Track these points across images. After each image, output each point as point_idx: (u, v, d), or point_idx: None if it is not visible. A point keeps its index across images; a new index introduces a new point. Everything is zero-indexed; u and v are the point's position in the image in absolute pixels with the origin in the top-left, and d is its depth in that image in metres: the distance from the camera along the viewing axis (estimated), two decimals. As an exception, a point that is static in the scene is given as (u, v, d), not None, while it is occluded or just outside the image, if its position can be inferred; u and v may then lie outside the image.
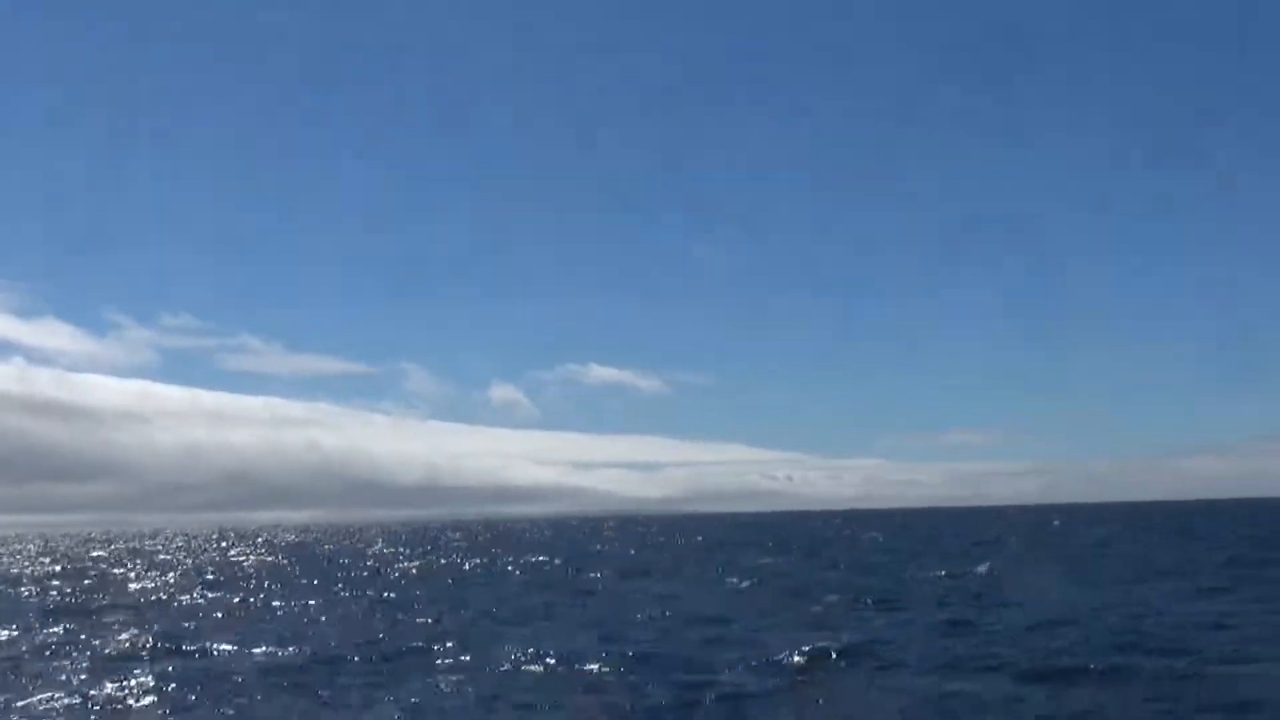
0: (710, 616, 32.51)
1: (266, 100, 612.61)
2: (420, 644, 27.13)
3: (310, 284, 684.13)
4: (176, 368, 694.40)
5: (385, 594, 45.26)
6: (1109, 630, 27.09)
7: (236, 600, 43.05)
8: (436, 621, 32.91)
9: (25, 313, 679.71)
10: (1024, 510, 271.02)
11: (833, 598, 37.39)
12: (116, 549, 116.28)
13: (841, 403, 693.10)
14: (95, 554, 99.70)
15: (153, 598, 45.55)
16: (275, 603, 41.31)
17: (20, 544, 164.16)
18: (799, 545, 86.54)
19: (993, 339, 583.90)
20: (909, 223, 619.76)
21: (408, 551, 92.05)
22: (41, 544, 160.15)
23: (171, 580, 57.90)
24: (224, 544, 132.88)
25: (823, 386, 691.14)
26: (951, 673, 21.65)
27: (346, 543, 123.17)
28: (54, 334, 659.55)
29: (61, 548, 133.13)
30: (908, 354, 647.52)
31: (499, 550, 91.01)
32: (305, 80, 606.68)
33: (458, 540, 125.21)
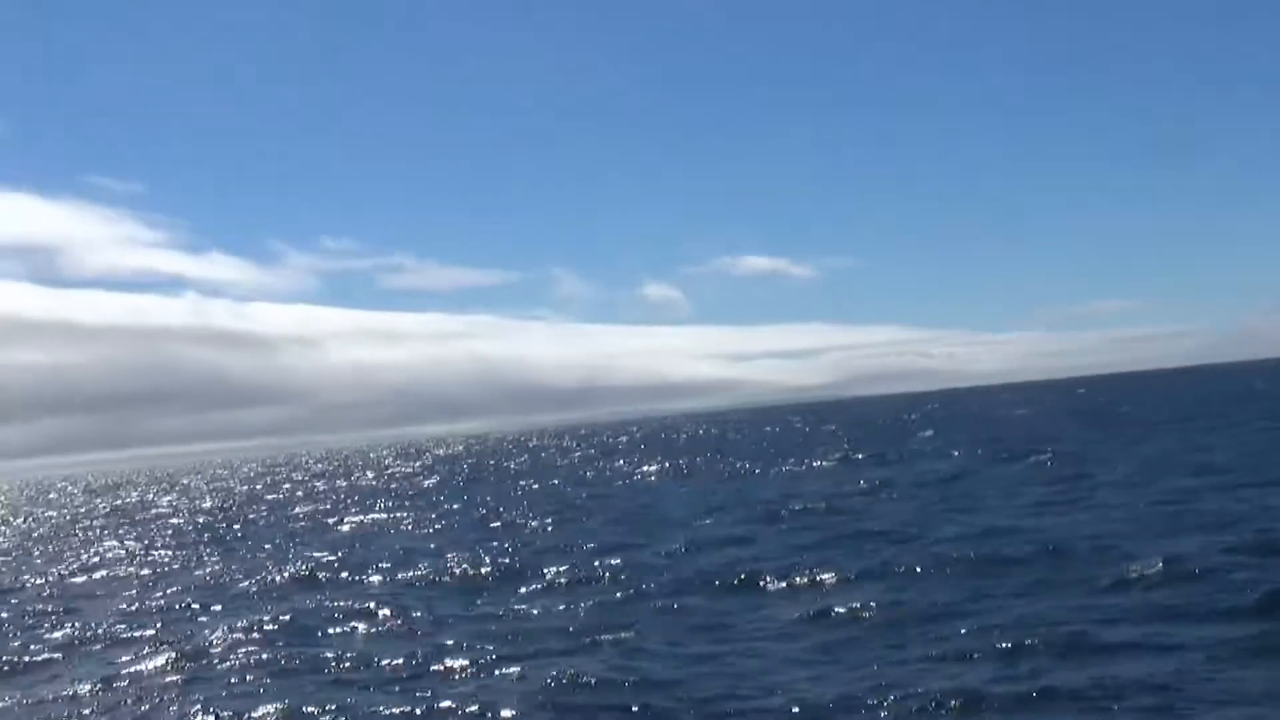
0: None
1: (402, 34, 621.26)
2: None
3: (458, 198, 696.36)
4: (338, 290, 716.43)
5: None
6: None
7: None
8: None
9: (193, 248, 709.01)
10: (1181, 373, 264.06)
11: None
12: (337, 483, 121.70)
13: (995, 277, 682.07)
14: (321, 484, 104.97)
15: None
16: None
17: (207, 471, 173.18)
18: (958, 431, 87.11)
19: (1140, 206, 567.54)
20: (1055, 92, 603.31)
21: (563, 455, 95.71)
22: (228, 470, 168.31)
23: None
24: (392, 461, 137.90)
25: (975, 262, 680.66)
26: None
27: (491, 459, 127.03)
28: (221, 266, 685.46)
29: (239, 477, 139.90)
30: (1058, 225, 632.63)
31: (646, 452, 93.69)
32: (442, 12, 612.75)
33: (622, 443, 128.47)
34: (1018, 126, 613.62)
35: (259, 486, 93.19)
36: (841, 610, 18.11)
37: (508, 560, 27.71)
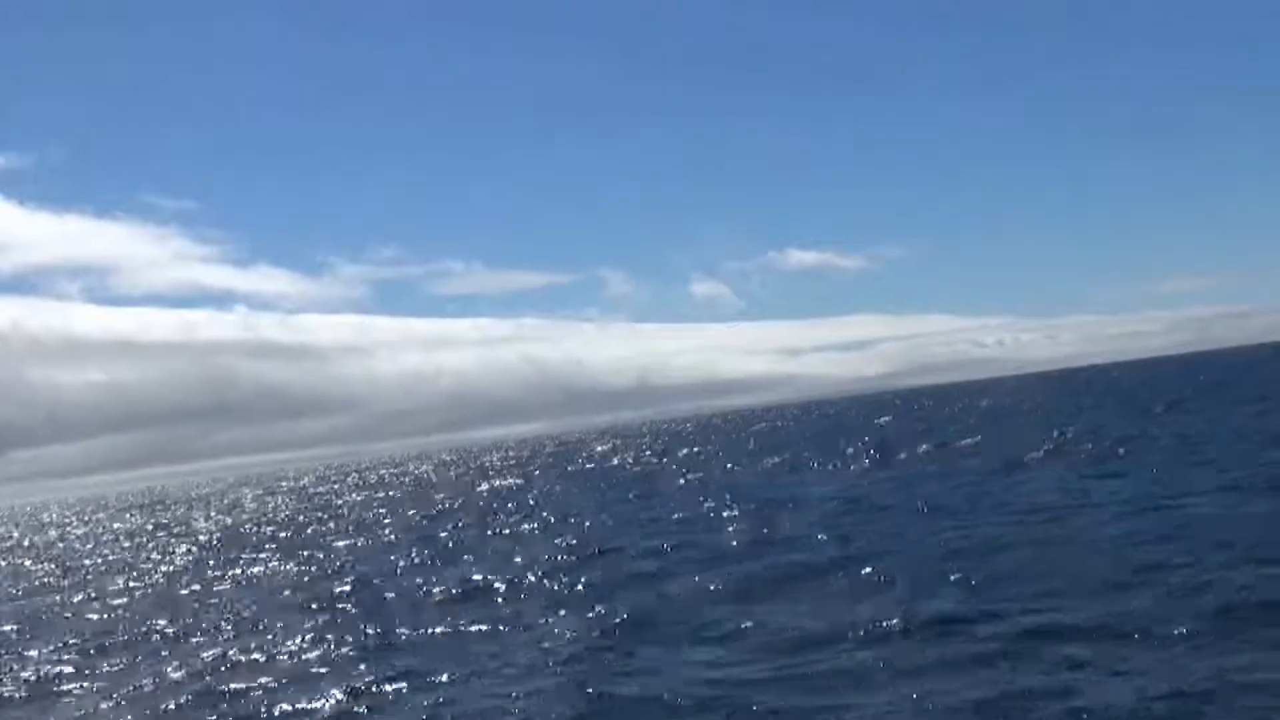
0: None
1: (443, 41, 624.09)
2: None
3: (504, 202, 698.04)
4: (388, 298, 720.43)
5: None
6: None
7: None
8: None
9: (241, 262, 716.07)
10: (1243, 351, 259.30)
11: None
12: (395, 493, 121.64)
13: (1047, 260, 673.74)
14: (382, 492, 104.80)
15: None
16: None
17: (276, 481, 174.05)
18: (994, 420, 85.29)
19: (1198, 180, 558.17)
20: (1111, 70, 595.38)
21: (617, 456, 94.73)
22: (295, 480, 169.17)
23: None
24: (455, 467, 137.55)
25: (1027, 245, 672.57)
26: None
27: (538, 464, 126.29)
28: (270, 279, 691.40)
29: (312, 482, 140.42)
30: (1115, 203, 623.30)
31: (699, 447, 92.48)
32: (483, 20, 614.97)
33: (659, 443, 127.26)
34: (1065, 103, 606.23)
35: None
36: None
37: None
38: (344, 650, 19.60)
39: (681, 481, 52.75)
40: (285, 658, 19.65)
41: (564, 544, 31.45)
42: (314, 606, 25.34)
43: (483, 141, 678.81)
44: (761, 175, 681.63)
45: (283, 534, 50.32)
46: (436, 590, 25.64)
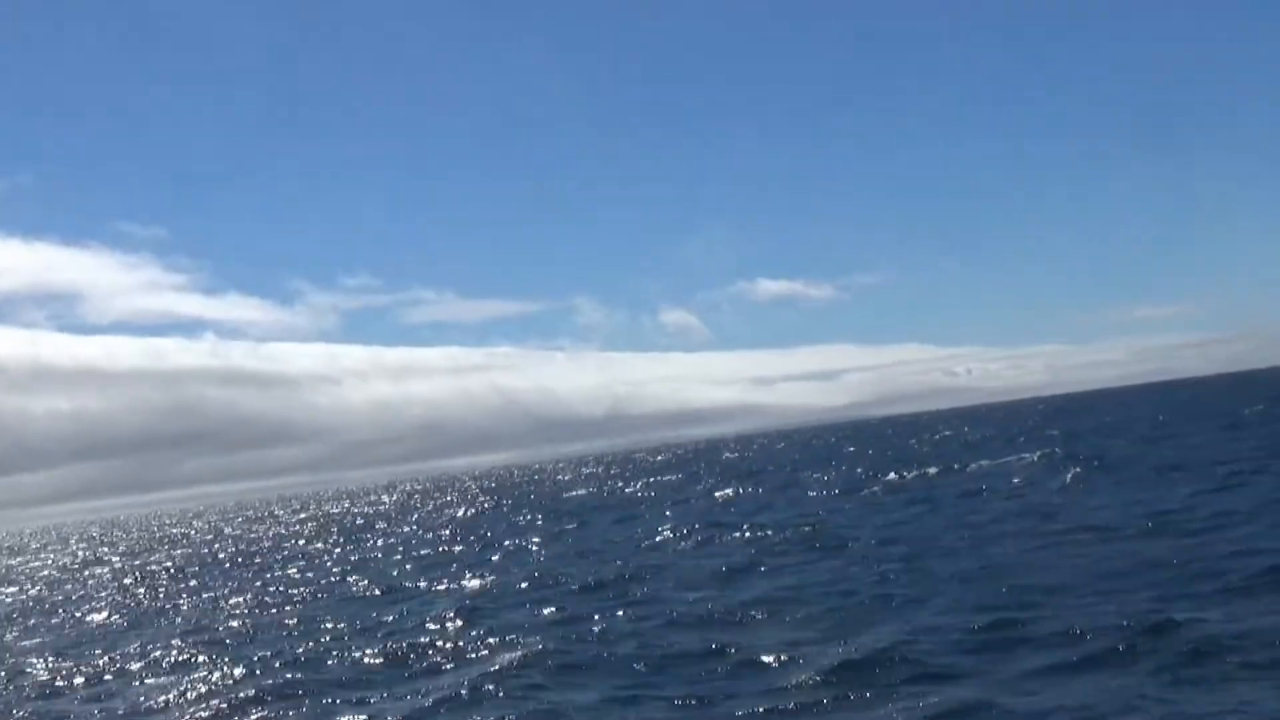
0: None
1: (415, 70, 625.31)
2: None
3: (472, 230, 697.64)
4: (358, 327, 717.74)
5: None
6: None
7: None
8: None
9: (211, 290, 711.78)
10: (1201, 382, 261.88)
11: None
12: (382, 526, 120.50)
13: (1015, 290, 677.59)
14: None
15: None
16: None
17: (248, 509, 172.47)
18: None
19: (1166, 209, 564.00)
20: (1078, 99, 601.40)
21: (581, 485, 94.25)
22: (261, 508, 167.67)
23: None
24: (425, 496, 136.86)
25: (995, 275, 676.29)
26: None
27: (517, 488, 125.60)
28: (239, 307, 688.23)
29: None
30: (1078, 233, 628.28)
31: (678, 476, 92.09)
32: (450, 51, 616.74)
33: (628, 471, 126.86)
34: (1033, 130, 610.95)
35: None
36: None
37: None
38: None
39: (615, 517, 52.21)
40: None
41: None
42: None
43: (453, 170, 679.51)
44: (731, 205, 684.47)
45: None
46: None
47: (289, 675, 19.92)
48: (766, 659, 16.95)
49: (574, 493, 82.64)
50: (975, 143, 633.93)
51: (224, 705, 18.23)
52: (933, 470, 52.46)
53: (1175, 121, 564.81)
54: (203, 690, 19.62)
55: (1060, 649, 15.56)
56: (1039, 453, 53.60)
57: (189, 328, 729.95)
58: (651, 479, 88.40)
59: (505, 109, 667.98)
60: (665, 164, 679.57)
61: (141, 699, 19.84)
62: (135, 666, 23.32)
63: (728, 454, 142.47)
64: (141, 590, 43.25)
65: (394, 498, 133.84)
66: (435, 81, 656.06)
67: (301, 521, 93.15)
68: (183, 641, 26.05)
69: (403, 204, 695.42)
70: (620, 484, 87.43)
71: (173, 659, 23.61)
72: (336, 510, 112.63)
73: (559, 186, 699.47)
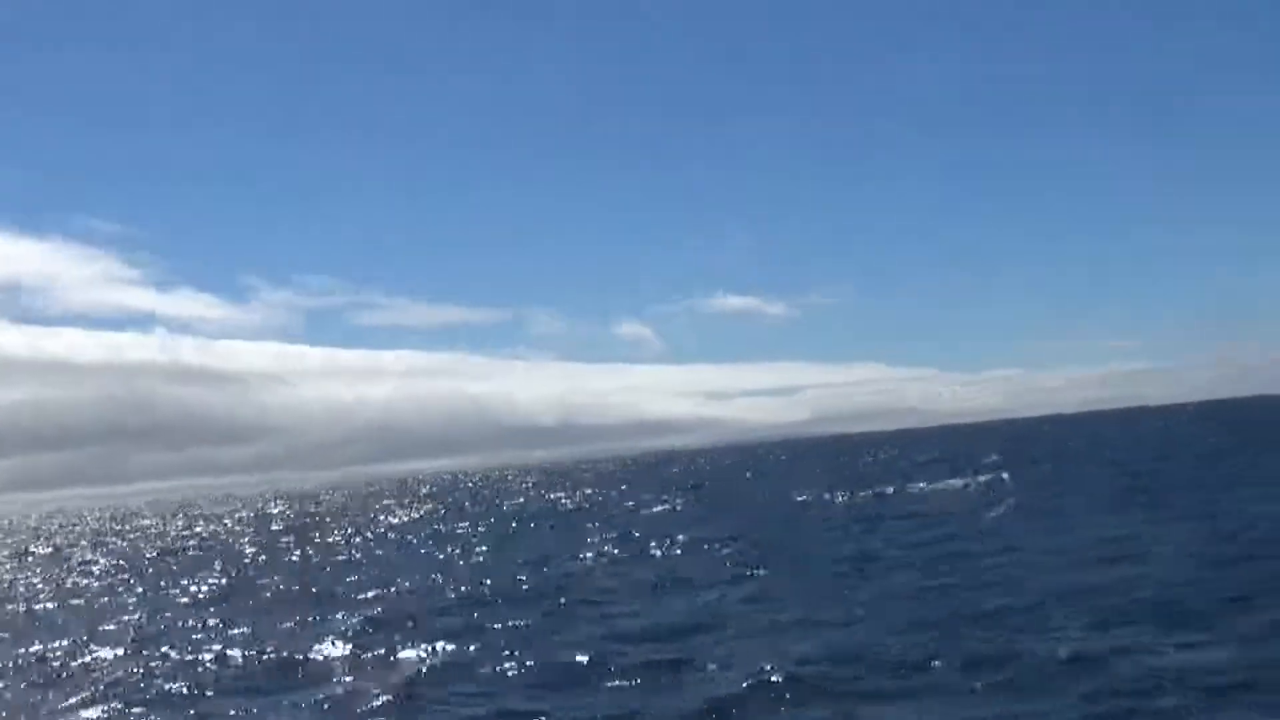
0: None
1: (377, 74, 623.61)
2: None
3: (432, 235, 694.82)
4: (313, 327, 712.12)
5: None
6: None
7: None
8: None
9: (163, 285, 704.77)
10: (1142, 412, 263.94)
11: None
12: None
13: (975, 313, 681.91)
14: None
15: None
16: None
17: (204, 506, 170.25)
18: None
19: (1134, 236, 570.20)
20: (1050, 117, 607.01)
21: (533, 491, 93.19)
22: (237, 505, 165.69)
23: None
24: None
25: (954, 298, 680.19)
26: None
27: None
28: (191, 303, 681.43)
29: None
30: (1040, 261, 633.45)
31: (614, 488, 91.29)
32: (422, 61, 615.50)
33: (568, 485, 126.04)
34: (995, 151, 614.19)
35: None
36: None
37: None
38: None
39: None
40: None
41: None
42: None
43: (414, 175, 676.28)
44: (689, 219, 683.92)
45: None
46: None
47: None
48: (671, 675, 16.28)
49: (515, 501, 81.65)
50: (939, 164, 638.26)
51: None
52: (875, 491, 51.97)
53: (1145, 149, 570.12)
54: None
55: (974, 674, 14.90)
56: (982, 478, 53.37)
57: (143, 322, 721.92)
58: (592, 491, 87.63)
59: (471, 116, 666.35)
60: (625, 177, 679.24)
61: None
62: None
63: (675, 468, 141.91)
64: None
65: (336, 499, 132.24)
66: (402, 85, 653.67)
67: (238, 521, 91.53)
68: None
69: (364, 205, 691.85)
70: (561, 494, 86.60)
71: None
72: (276, 510, 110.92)
73: (520, 195, 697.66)
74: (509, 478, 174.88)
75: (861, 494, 51.43)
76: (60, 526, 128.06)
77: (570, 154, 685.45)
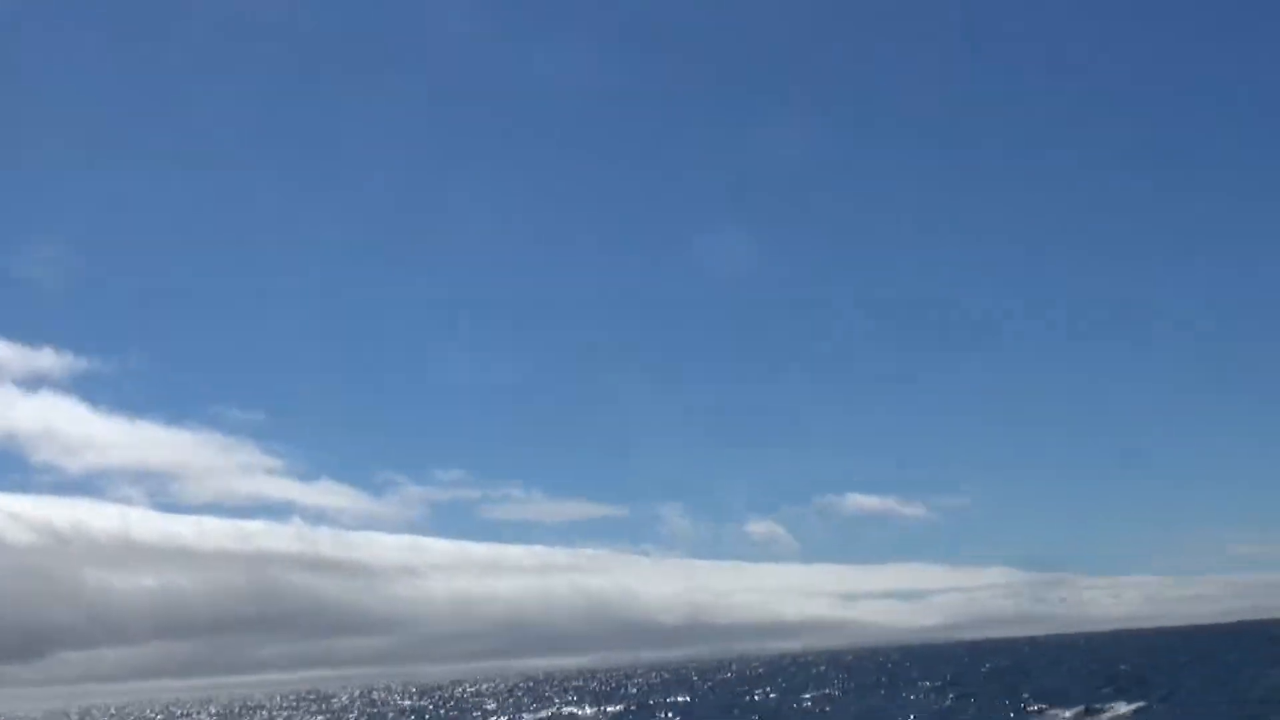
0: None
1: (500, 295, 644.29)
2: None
3: (562, 433, 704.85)
4: (444, 521, 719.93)
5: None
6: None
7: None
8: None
9: (304, 475, 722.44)
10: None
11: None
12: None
13: (1114, 521, 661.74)
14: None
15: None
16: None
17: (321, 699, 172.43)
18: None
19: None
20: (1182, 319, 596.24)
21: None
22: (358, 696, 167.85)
23: None
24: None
25: (1096, 499, 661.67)
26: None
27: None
28: (330, 494, 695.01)
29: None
30: (1183, 463, 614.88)
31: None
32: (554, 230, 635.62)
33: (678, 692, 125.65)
34: (1132, 362, 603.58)
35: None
36: None
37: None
38: None
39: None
40: None
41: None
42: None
43: (547, 378, 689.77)
44: (819, 418, 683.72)
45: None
46: None
47: None
48: None
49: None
50: (1072, 365, 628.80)
51: None
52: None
53: None
54: None
55: None
56: (1131, 706, 50.75)
57: (279, 511, 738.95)
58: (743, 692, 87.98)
59: (601, 322, 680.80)
60: (751, 383, 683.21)
61: None
62: None
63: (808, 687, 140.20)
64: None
65: (464, 693, 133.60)
66: (525, 291, 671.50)
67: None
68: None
69: (496, 402, 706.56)
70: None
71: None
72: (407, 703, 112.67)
73: (647, 399, 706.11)
74: (636, 677, 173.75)
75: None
76: (182, 715, 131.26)
77: (697, 356, 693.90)
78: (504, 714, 77.82)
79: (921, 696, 62.97)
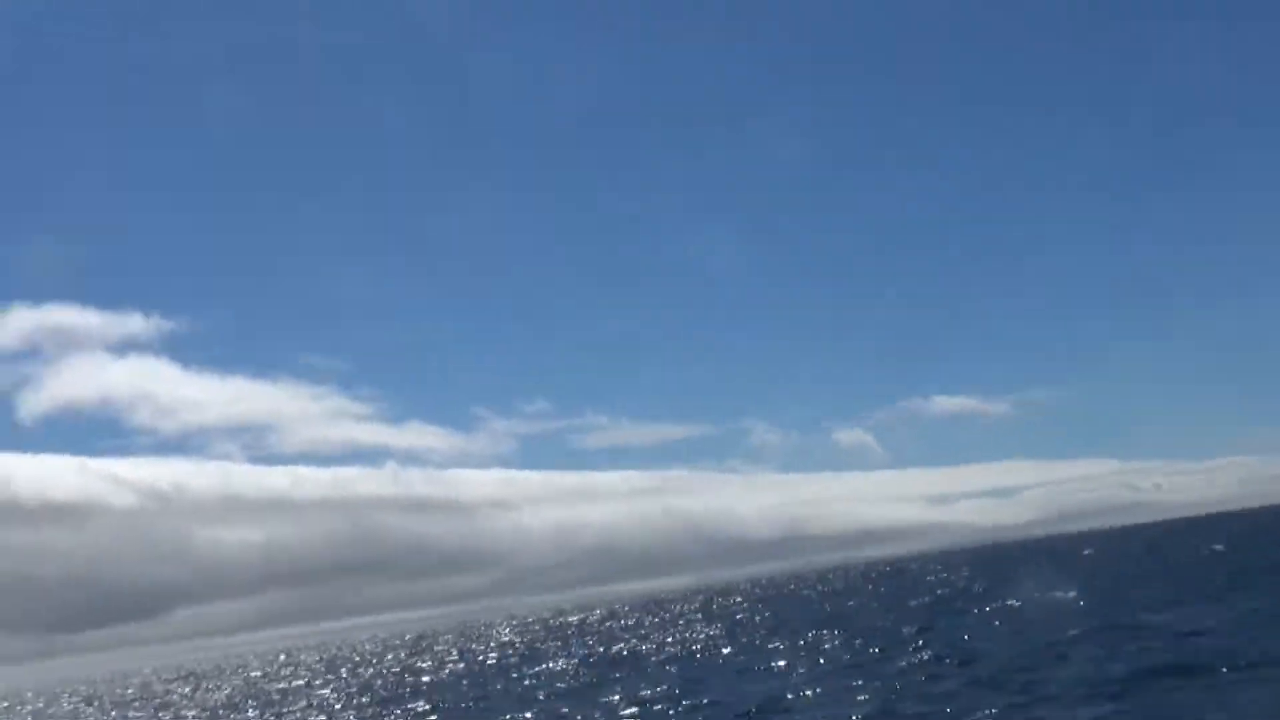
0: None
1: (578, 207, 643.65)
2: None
3: (646, 355, 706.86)
4: (534, 453, 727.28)
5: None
6: None
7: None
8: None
9: (393, 419, 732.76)
10: None
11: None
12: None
13: (1202, 403, 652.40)
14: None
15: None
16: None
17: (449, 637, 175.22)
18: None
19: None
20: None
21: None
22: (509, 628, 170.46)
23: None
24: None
25: (1179, 387, 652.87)
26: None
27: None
28: (421, 435, 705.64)
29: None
30: (1267, 338, 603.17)
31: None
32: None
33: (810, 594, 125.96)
34: (1210, 246, 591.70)
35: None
36: None
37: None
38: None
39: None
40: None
41: None
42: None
43: (622, 304, 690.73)
44: (900, 323, 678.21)
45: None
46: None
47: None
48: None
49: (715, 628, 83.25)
50: (1150, 266, 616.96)
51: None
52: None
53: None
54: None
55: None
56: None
57: (372, 456, 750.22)
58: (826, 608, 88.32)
59: (677, 251, 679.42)
60: (829, 293, 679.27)
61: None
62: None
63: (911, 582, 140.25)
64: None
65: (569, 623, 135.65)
66: (610, 228, 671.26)
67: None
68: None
69: (579, 329, 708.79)
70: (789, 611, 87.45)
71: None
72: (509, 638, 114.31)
73: (725, 314, 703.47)
74: (734, 592, 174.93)
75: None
76: (286, 661, 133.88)
77: (774, 276, 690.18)
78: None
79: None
